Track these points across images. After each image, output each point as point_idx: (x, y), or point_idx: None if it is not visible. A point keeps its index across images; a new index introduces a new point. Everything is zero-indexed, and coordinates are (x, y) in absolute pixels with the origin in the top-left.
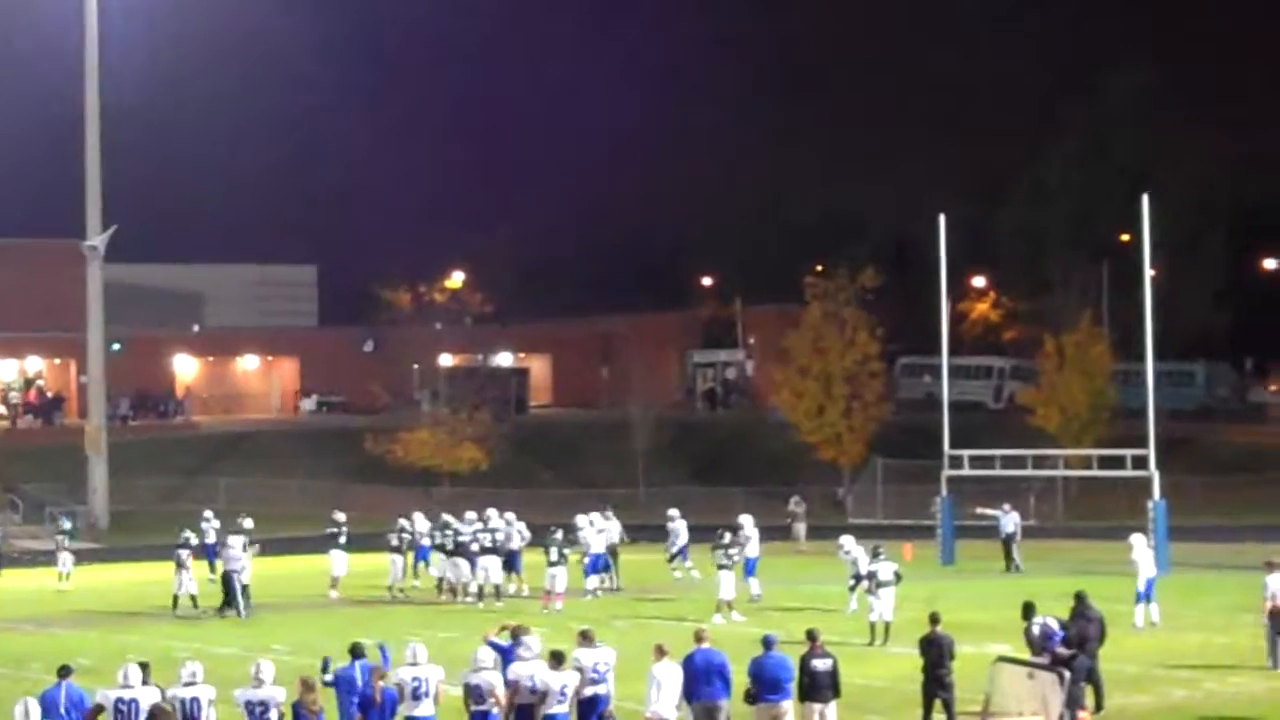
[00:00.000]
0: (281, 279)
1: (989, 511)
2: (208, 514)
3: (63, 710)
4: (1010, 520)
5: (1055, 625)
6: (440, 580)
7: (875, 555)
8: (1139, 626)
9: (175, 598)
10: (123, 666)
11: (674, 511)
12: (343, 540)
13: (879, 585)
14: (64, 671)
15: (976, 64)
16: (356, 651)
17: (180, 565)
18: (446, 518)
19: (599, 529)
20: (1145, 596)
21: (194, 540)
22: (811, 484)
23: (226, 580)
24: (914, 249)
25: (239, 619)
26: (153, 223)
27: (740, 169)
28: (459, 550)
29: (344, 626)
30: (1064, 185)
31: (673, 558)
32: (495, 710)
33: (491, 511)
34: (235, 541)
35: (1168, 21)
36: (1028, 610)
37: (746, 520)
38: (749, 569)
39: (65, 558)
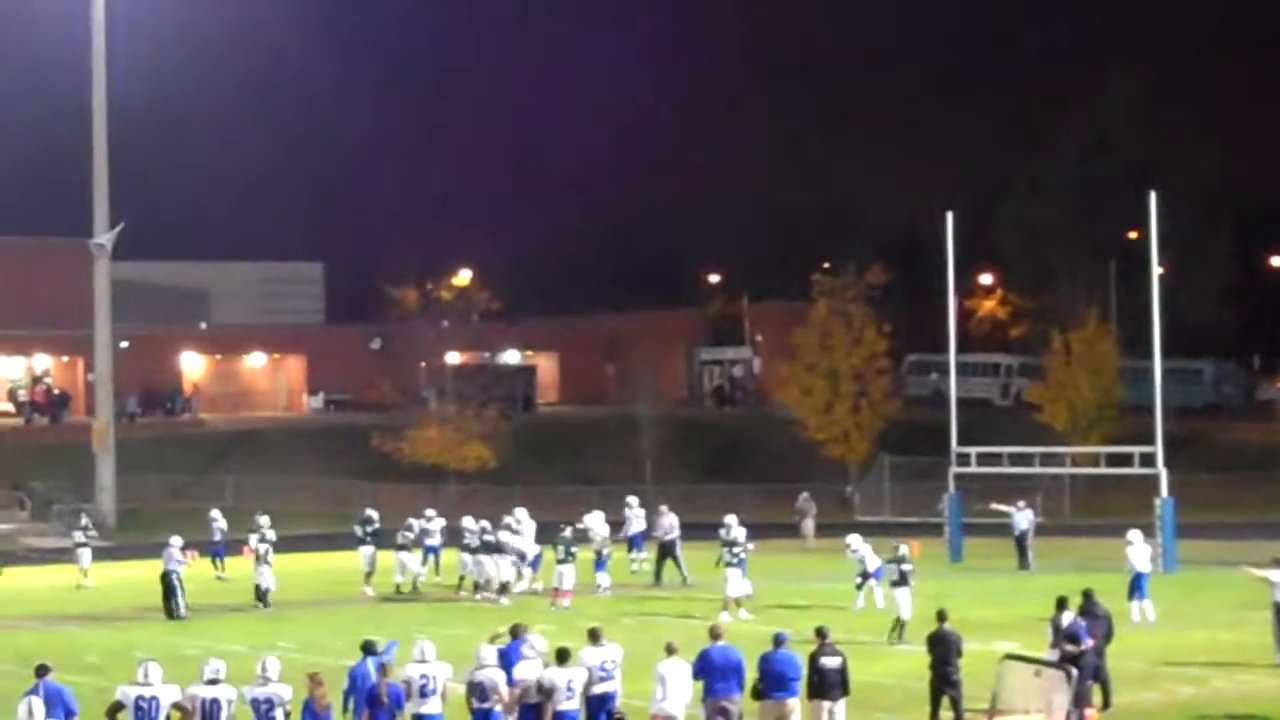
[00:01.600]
0: (288, 276)
1: (1002, 507)
2: (215, 513)
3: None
4: (1024, 517)
5: (1083, 624)
6: (461, 578)
7: (895, 555)
8: (1135, 622)
9: (258, 589)
10: (142, 664)
11: (632, 499)
12: (373, 535)
13: (893, 585)
14: (41, 670)
15: (982, 60)
16: (369, 648)
17: (259, 560)
18: (482, 521)
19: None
20: (1141, 593)
21: (268, 534)
22: (819, 481)
23: (166, 580)
24: (921, 246)
25: (179, 619)
26: (160, 220)
27: (747, 166)
28: (485, 548)
29: (351, 624)
30: (1069, 182)
31: (629, 548)
32: (498, 709)
33: (521, 511)
34: (175, 542)
35: (1173, 17)
36: (1060, 604)
37: (732, 520)
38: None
39: (85, 554)
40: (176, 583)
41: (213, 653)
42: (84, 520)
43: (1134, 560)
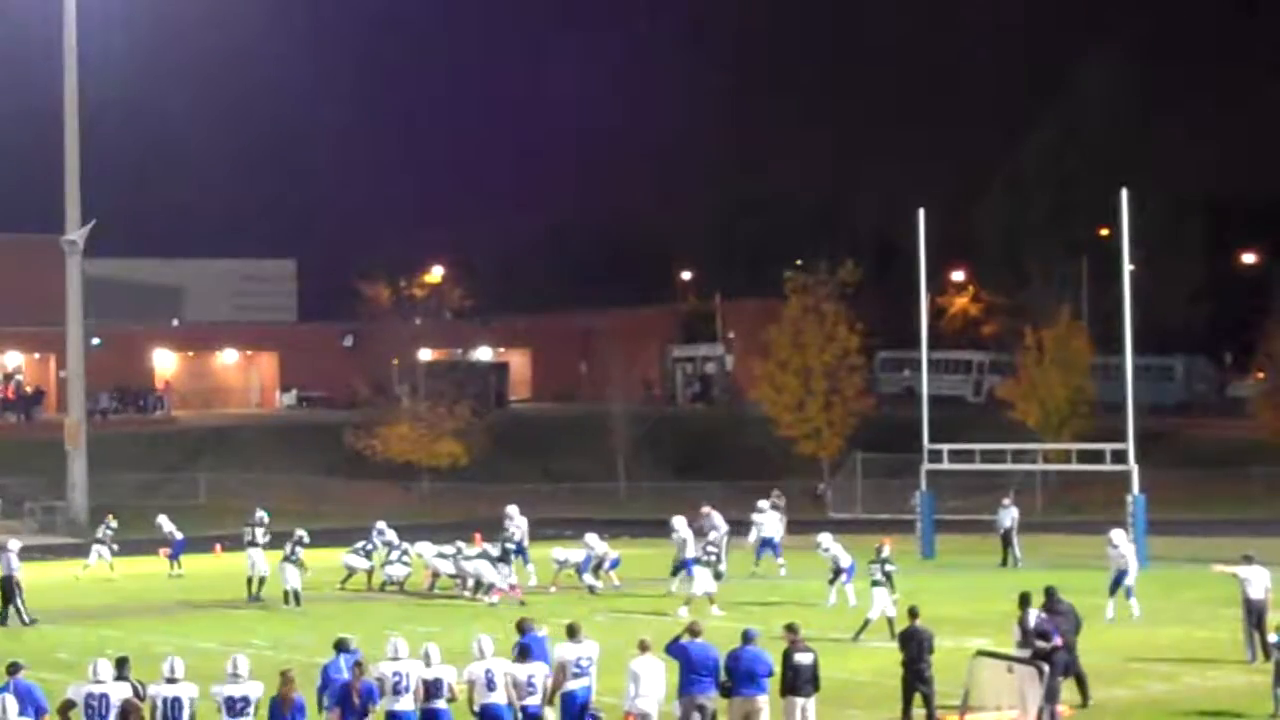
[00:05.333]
0: (261, 273)
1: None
2: (162, 518)
3: None
4: (1008, 515)
5: (1050, 621)
6: (435, 576)
7: (878, 555)
8: (1110, 618)
9: (250, 581)
10: (92, 661)
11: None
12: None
13: (873, 584)
14: (13, 668)
15: (954, 58)
16: (341, 645)
17: (287, 560)
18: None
19: (759, 520)
20: (1129, 590)
21: (266, 519)
22: (791, 479)
23: (5, 585)
24: (894, 243)
25: (22, 626)
26: (132, 217)
27: (719, 164)
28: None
29: (324, 621)
30: (1041, 179)
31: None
32: (445, 708)
33: (512, 509)
34: (14, 545)
35: (1145, 15)
36: (1024, 601)
37: (679, 522)
38: (687, 568)
39: (103, 550)
40: (15, 588)
41: (185, 650)
42: (110, 522)
43: (1124, 559)
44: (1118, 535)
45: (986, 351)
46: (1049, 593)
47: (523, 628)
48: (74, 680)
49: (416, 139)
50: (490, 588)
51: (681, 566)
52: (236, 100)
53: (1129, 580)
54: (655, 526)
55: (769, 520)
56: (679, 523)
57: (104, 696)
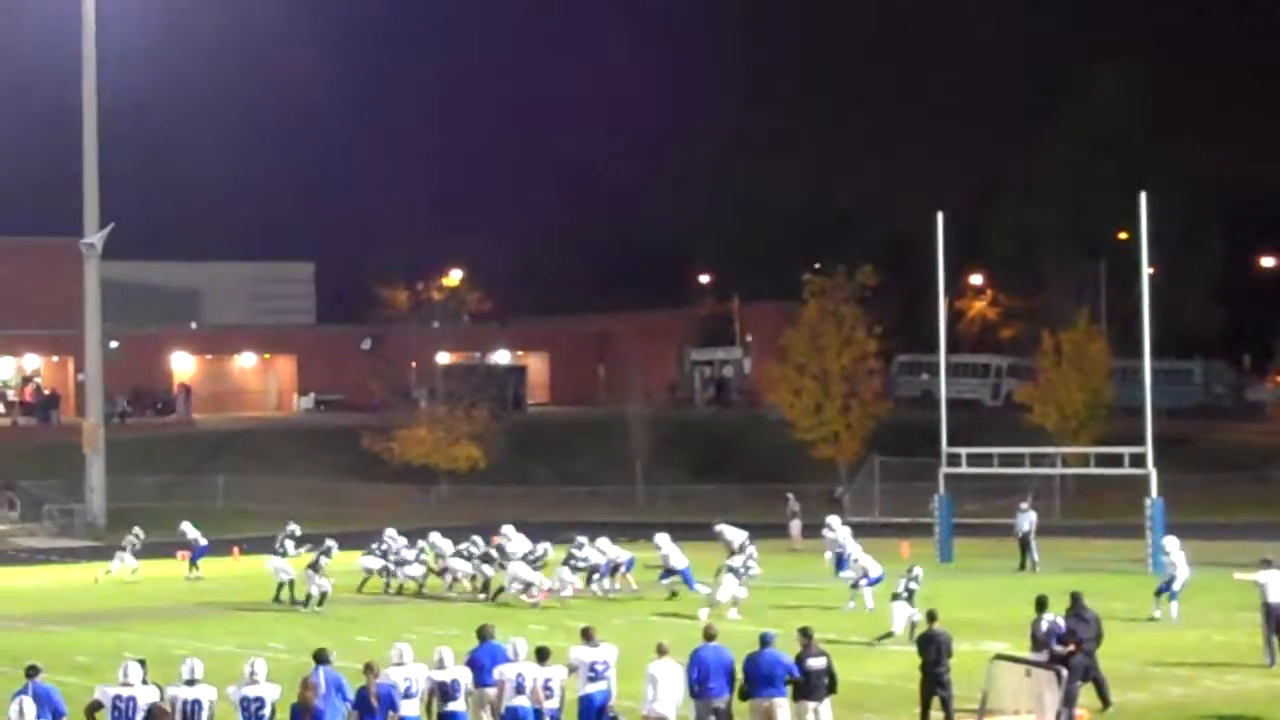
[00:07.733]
0: (279, 276)
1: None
2: (185, 524)
3: None
4: (1026, 519)
5: (1063, 624)
6: (454, 580)
7: (908, 572)
8: (1157, 618)
9: (280, 586)
10: (122, 663)
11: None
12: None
13: (894, 597)
14: (31, 671)
15: (974, 61)
16: (320, 657)
17: (313, 567)
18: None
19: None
20: (1173, 594)
21: (298, 532)
22: (809, 482)
23: None
24: (912, 247)
25: None
26: (151, 220)
27: (738, 166)
28: (485, 558)
29: (342, 625)
30: (1059, 182)
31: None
32: (463, 710)
33: (508, 528)
34: None
35: (1164, 19)
36: (1041, 605)
37: (663, 539)
38: (683, 575)
39: (125, 557)
40: None
41: (203, 653)
42: (136, 533)
43: (1174, 566)
44: (1170, 543)
45: (1004, 355)
46: (1074, 598)
47: (482, 634)
48: (93, 682)
49: (435, 142)
50: (528, 587)
51: (669, 574)
52: (254, 103)
53: (1177, 585)
54: (674, 530)
55: (849, 540)
56: (662, 540)
57: (132, 699)
